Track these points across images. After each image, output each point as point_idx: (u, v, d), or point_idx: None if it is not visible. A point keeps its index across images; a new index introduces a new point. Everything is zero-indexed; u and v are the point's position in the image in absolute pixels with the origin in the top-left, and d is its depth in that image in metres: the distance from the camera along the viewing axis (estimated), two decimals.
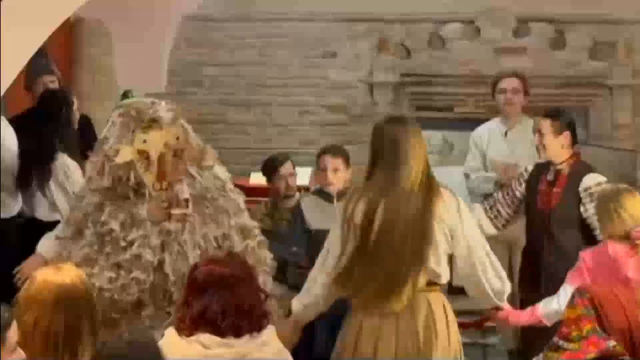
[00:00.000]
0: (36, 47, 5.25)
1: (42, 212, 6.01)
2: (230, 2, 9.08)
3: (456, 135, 8.21)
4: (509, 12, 8.84)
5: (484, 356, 6.66)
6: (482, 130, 6.81)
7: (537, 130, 5.59)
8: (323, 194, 5.43)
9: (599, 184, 5.28)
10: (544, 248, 5.41)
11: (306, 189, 6.83)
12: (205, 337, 3.57)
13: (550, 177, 5.51)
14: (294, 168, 6.24)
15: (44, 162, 6.02)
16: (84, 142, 6.24)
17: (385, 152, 4.13)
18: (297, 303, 4.26)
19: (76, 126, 6.29)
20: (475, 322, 6.57)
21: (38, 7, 4.96)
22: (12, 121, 6.16)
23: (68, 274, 3.42)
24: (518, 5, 8.83)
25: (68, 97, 6.30)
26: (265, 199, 6.20)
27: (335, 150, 5.45)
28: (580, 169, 5.50)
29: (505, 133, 6.63)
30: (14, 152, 5.83)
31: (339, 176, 5.48)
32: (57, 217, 5.86)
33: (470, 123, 7.39)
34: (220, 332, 3.58)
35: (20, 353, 3.25)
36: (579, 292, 3.36)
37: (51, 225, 5.78)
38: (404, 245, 3.98)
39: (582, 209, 5.33)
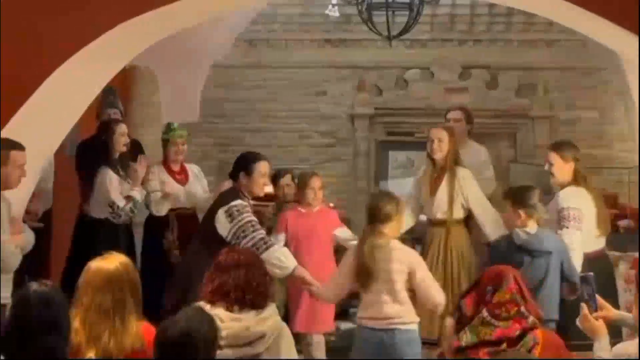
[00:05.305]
0: (100, 88, 5.70)
1: (92, 211, 6.50)
2: (245, 53, 9.52)
3: (416, 154, 8.49)
4: (456, 60, 9.49)
5: None
6: None
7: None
8: None
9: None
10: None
11: None
12: (221, 313, 3.69)
13: None
14: (292, 180, 6.72)
15: (88, 173, 6.50)
16: (133, 159, 6.67)
17: None
18: None
19: (124, 148, 6.57)
20: None
21: (102, 58, 5.25)
22: (82, 143, 6.79)
23: (114, 261, 3.61)
24: (462, 56, 9.48)
25: (109, 127, 6.53)
26: (272, 203, 6.59)
27: None
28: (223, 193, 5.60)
29: None
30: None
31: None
32: (101, 216, 6.40)
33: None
34: (230, 304, 3.72)
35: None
36: (509, 279, 3.58)
37: (97, 222, 6.42)
38: None
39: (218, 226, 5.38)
